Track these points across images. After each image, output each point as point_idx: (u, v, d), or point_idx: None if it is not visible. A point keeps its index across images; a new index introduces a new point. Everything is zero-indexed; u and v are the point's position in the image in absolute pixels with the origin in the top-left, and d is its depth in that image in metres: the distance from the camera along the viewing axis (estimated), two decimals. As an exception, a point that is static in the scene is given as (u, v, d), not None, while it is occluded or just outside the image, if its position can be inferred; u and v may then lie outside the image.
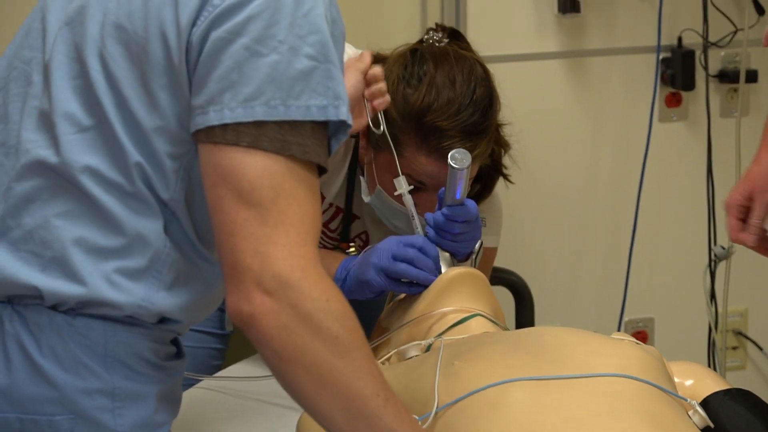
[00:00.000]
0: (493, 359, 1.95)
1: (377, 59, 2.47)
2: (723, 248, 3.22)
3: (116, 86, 1.59)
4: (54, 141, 1.60)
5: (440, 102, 2.36)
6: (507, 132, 2.65)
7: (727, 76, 3.19)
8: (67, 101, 1.61)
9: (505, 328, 2.30)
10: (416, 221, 2.43)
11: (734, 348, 3.39)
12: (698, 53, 3.18)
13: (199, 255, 1.68)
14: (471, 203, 2.38)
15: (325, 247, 2.71)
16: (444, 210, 2.33)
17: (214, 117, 1.52)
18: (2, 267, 1.61)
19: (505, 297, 2.74)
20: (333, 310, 1.54)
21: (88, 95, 1.60)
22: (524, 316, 2.78)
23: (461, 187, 2.33)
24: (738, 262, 3.25)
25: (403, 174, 2.42)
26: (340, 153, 2.58)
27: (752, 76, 3.13)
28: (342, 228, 2.68)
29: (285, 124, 1.52)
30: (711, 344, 3.32)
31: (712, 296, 3.27)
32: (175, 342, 1.75)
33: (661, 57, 3.18)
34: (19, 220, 1.62)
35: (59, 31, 1.67)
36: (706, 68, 3.14)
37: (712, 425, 1.97)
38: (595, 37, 3.19)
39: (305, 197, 1.56)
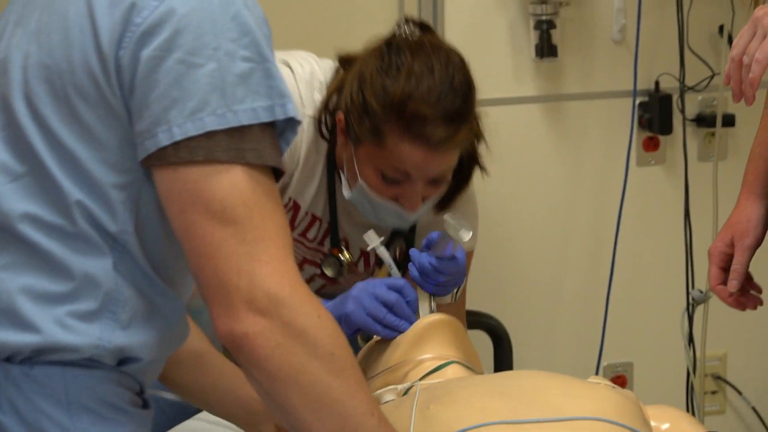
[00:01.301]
0: (469, 403, 1.95)
1: (345, 60, 2.55)
2: (701, 292, 3.02)
3: (46, 125, 1.54)
4: None
5: (421, 90, 2.35)
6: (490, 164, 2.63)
7: (705, 121, 3.20)
8: None
9: (481, 373, 2.29)
10: (393, 270, 2.44)
11: (713, 392, 3.39)
12: (675, 97, 3.19)
13: (156, 290, 1.64)
14: (461, 255, 2.38)
15: (304, 257, 2.69)
16: (433, 261, 2.34)
17: (163, 138, 1.48)
18: None
19: (483, 340, 2.76)
20: (325, 327, 1.54)
21: (17, 141, 1.56)
22: (502, 360, 2.76)
23: (452, 245, 2.36)
24: (716, 306, 2.98)
25: (380, 165, 2.43)
26: (312, 159, 2.59)
27: (729, 120, 3.14)
28: (331, 233, 2.66)
29: (235, 132, 1.49)
30: (689, 388, 3.31)
31: (691, 340, 3.26)
32: (140, 393, 1.70)
33: (638, 101, 3.20)
34: None
35: None
36: (683, 112, 3.15)
37: None
38: (573, 82, 3.20)
39: (274, 209, 1.54)
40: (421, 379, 2.18)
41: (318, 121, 2.57)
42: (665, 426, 2.09)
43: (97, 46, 1.52)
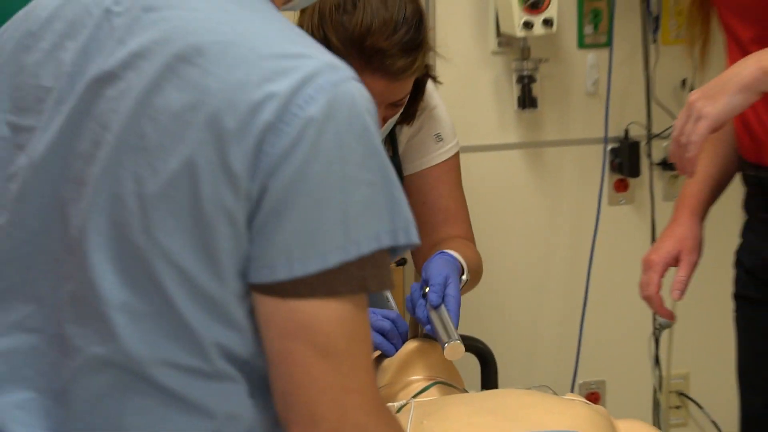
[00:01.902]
0: (459, 419, 1.97)
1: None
2: (665, 320, 3.07)
3: (174, 260, 1.38)
4: (107, 333, 1.39)
5: (377, 24, 2.32)
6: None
7: (669, 165, 3.17)
8: (113, 288, 1.39)
9: (464, 390, 2.29)
10: (391, 302, 2.43)
11: (677, 407, 3.36)
12: (643, 144, 3.18)
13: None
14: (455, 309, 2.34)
15: None
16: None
17: (281, 272, 1.36)
18: None
19: (472, 362, 2.62)
20: None
21: (139, 278, 1.39)
22: (489, 379, 2.65)
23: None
24: (680, 330, 3.21)
25: None
26: None
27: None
28: None
29: (357, 261, 1.37)
30: (656, 404, 3.30)
31: (657, 361, 3.25)
32: None
33: (609, 147, 3.18)
34: (89, 423, 1.43)
35: (90, 208, 1.41)
36: (650, 157, 3.15)
37: None
38: (551, 130, 3.18)
39: (367, 331, 1.45)
40: (415, 396, 2.17)
41: None
42: None
43: (230, 177, 1.36)
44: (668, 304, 2.51)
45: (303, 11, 2.44)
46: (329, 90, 1.36)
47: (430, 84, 2.61)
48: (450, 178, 2.63)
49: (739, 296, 2.30)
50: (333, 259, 1.35)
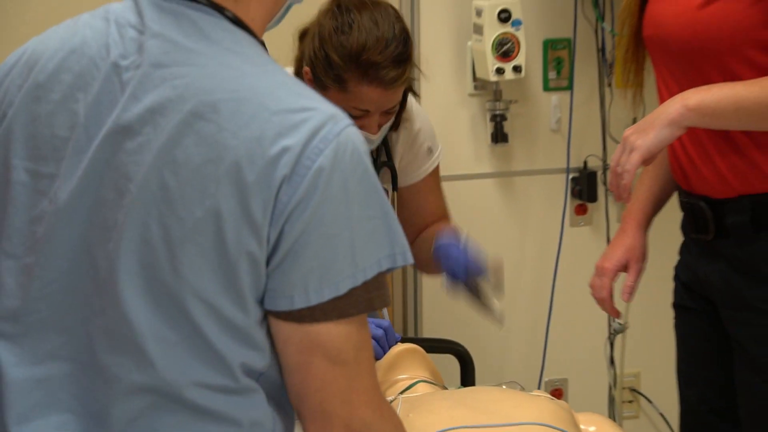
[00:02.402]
0: (440, 412, 2.02)
1: (302, 33, 2.47)
2: (620, 324, 3.14)
3: (204, 296, 1.36)
4: (144, 362, 1.37)
5: (371, 41, 2.33)
6: None
7: (622, 192, 3.14)
8: (146, 322, 1.37)
9: (443, 387, 2.33)
10: (384, 313, 2.49)
11: (630, 402, 3.35)
12: (599, 173, 3.21)
13: (291, 410, 1.50)
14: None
15: None
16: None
17: (298, 301, 1.36)
18: None
19: (452, 362, 2.76)
20: None
21: (171, 311, 1.37)
22: (467, 377, 2.75)
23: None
24: (631, 335, 3.22)
25: (346, 105, 2.34)
26: None
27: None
28: None
29: (363, 285, 1.37)
30: (611, 399, 3.30)
31: (612, 362, 3.27)
32: None
33: (570, 176, 3.20)
34: None
35: (119, 250, 1.38)
36: (605, 185, 3.14)
37: None
38: (520, 162, 3.19)
39: (369, 340, 1.45)
40: (402, 392, 2.21)
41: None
42: (592, 429, 2.14)
43: (251, 225, 1.34)
44: (619, 307, 2.50)
45: (302, 37, 2.46)
46: (333, 140, 1.35)
47: (415, 102, 2.63)
48: (437, 182, 2.66)
49: (677, 306, 2.30)
50: (344, 287, 1.35)
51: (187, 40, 1.38)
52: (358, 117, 2.36)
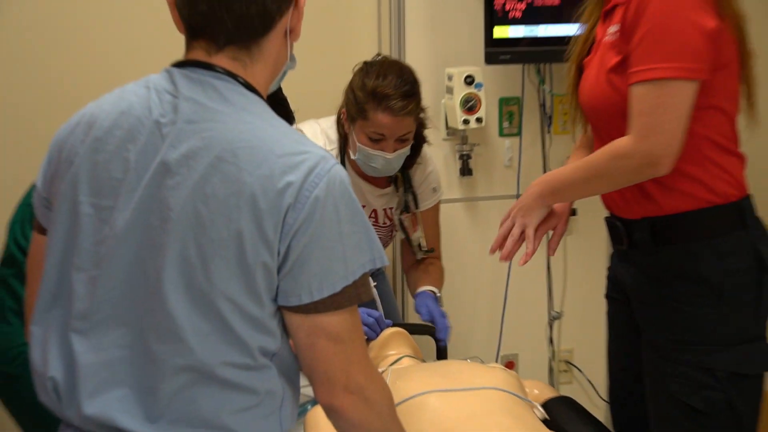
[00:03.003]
0: (420, 379, 2.05)
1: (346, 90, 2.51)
2: (557, 312, 3.30)
3: (231, 297, 1.37)
4: (185, 348, 1.37)
5: (385, 81, 2.41)
6: None
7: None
8: (186, 318, 1.37)
9: (423, 360, 2.37)
10: (378, 305, 2.47)
11: (565, 371, 3.40)
12: None
13: (297, 377, 1.52)
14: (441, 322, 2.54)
15: None
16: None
17: (305, 298, 1.38)
18: None
19: (430, 342, 2.78)
20: (384, 394, 1.49)
21: (207, 309, 1.37)
22: (441, 353, 2.76)
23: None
24: (566, 320, 3.32)
25: (367, 132, 2.42)
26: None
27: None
28: None
29: (353, 284, 1.40)
30: (551, 369, 3.38)
31: (551, 341, 3.35)
32: None
33: None
34: (171, 408, 1.39)
35: (164, 264, 1.38)
36: None
37: (548, 417, 2.13)
38: (482, 190, 3.24)
39: (359, 323, 1.45)
40: (391, 365, 2.27)
41: (337, 125, 2.57)
42: (535, 392, 2.26)
43: (266, 242, 1.36)
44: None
45: (345, 93, 2.50)
46: (325, 175, 1.37)
47: (429, 153, 2.68)
48: (436, 215, 2.75)
49: (608, 297, 2.28)
50: (339, 286, 1.38)
51: (210, 102, 1.40)
52: (378, 140, 2.43)
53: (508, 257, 2.09)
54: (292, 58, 1.52)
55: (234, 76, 1.42)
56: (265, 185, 1.34)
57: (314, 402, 2.10)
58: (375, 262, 1.43)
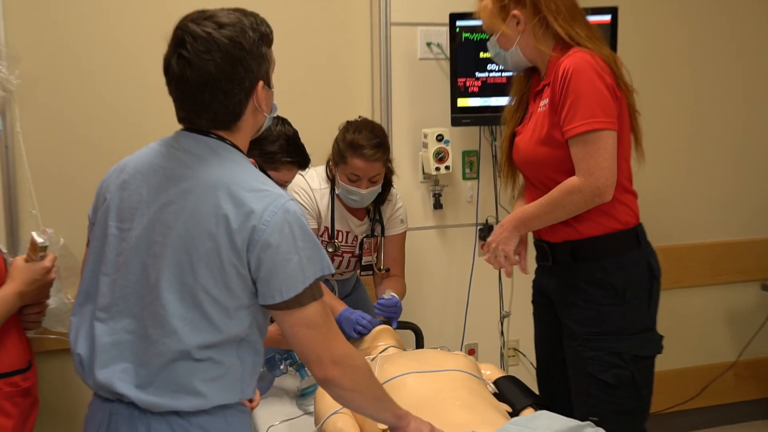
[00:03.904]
0: (400, 364, 2.04)
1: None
2: (506, 311, 3.27)
3: (209, 292, 1.37)
4: (172, 333, 1.38)
5: (360, 134, 2.41)
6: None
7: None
8: (175, 309, 1.38)
9: (404, 349, 2.38)
10: (375, 312, 2.49)
11: (513, 356, 3.36)
12: (495, 225, 2.58)
13: (258, 358, 1.48)
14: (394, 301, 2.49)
15: (326, 249, 2.45)
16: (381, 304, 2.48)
17: (277, 297, 1.39)
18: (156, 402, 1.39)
19: (410, 335, 2.83)
20: (363, 362, 1.51)
21: (190, 301, 1.37)
22: (419, 344, 2.79)
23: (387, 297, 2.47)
24: (513, 317, 3.29)
25: (347, 173, 2.40)
26: (325, 200, 2.52)
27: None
28: (330, 231, 2.55)
29: (309, 286, 1.40)
30: (501, 355, 3.34)
31: (502, 333, 3.32)
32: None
33: (478, 228, 3.24)
34: (160, 377, 1.39)
35: (163, 268, 1.38)
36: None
37: (497, 391, 2.11)
38: (450, 219, 3.22)
39: (329, 312, 1.45)
40: (380, 353, 2.26)
41: (327, 169, 2.53)
42: (488, 372, 2.23)
43: (236, 251, 1.37)
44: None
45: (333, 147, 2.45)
46: (281, 206, 1.38)
47: (397, 193, 2.66)
48: (401, 241, 2.73)
49: (533, 302, 2.30)
50: (300, 289, 1.38)
51: (203, 153, 1.42)
52: (354, 180, 2.43)
53: (509, 273, 2.09)
54: (273, 109, 1.51)
55: (222, 139, 1.46)
56: (236, 210, 1.37)
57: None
58: (324, 270, 1.43)
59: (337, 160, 2.47)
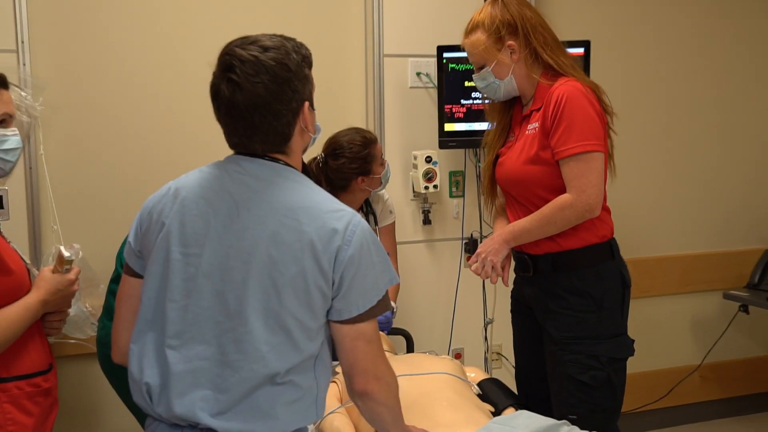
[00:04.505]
0: (394, 366, 1.79)
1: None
2: (490, 318, 3.25)
3: (294, 316, 1.34)
4: (259, 358, 1.33)
5: (341, 141, 2.44)
6: None
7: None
8: (261, 334, 1.32)
9: (395, 353, 2.40)
10: (395, 310, 2.55)
11: (496, 360, 3.33)
12: (479, 240, 3.17)
13: (329, 374, 1.46)
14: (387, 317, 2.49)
15: None
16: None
17: (354, 312, 1.37)
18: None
19: (402, 340, 2.87)
20: (395, 380, 1.47)
21: (275, 326, 1.33)
22: (409, 348, 2.80)
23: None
24: (496, 324, 3.27)
25: (378, 164, 2.45)
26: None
27: None
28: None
29: (380, 299, 1.38)
30: (486, 359, 3.31)
31: (486, 338, 3.29)
32: None
33: (464, 241, 3.21)
34: (243, 404, 1.33)
35: (246, 293, 1.33)
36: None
37: (481, 392, 2.11)
38: (438, 233, 3.21)
39: (377, 326, 1.42)
40: None
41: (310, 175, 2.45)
42: (473, 375, 2.23)
43: (323, 273, 1.34)
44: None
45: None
46: (358, 225, 1.36)
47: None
48: (392, 231, 2.73)
49: (512, 311, 2.30)
50: (373, 301, 1.37)
51: (270, 177, 1.38)
52: (383, 162, 2.47)
53: (494, 281, 2.09)
54: (318, 130, 1.47)
55: (280, 161, 1.42)
56: (320, 233, 1.33)
57: None
58: (392, 280, 1.42)
59: (362, 171, 2.44)
